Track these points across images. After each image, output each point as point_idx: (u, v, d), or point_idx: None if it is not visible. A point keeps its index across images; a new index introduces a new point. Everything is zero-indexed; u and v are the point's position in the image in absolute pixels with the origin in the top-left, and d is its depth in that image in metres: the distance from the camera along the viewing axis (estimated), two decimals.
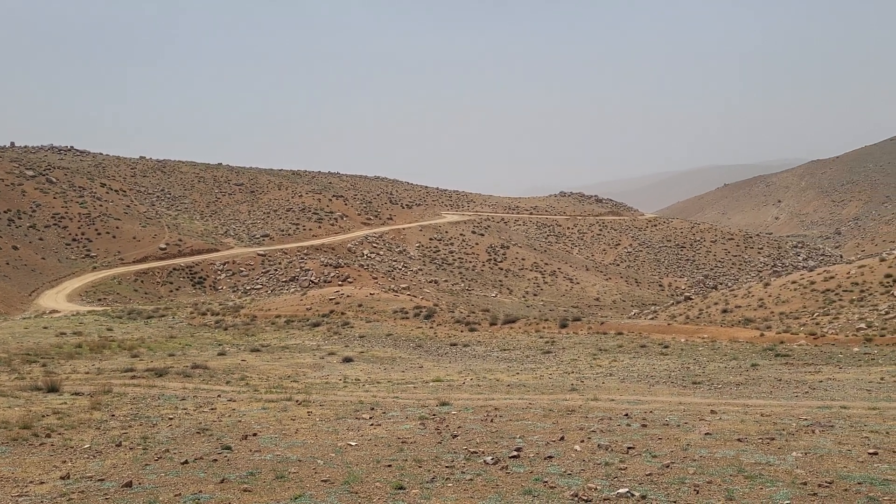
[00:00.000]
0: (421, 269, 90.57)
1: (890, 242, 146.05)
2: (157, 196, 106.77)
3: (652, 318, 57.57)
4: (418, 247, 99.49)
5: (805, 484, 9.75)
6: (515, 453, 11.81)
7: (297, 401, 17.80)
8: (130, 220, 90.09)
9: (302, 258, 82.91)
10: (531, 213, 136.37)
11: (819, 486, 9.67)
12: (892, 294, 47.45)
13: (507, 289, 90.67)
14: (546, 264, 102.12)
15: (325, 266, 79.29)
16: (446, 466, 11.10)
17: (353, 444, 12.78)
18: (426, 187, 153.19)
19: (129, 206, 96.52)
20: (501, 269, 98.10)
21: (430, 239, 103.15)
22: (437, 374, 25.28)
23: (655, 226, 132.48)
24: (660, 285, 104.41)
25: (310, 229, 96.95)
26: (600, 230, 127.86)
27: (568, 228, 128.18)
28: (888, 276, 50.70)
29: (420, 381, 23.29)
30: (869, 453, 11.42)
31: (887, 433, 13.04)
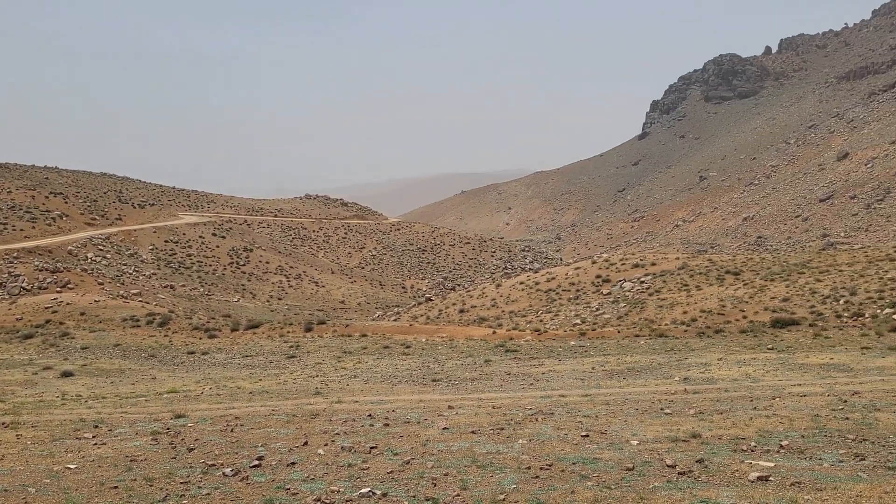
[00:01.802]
0: (155, 274, 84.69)
1: (600, 247, 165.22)
2: None
3: (395, 320, 59.37)
4: (152, 249, 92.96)
5: (529, 468, 10.60)
6: (257, 462, 11.44)
7: (2, 423, 15.67)
8: None
9: (11, 262, 73.42)
10: (276, 216, 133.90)
11: (541, 469, 10.57)
12: (601, 293, 53.61)
13: (251, 293, 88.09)
14: (291, 268, 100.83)
15: (41, 271, 70.97)
16: (181, 483, 10.43)
17: (73, 466, 11.53)
18: (161, 186, 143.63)
19: None
20: (244, 273, 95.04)
21: (166, 241, 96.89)
22: (172, 384, 23.76)
23: (399, 230, 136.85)
24: (403, 287, 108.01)
25: (21, 229, 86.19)
26: (346, 234, 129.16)
27: (314, 231, 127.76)
28: (598, 276, 57.21)
29: (153, 393, 21.72)
30: (582, 436, 12.73)
31: (596, 417, 14.65)
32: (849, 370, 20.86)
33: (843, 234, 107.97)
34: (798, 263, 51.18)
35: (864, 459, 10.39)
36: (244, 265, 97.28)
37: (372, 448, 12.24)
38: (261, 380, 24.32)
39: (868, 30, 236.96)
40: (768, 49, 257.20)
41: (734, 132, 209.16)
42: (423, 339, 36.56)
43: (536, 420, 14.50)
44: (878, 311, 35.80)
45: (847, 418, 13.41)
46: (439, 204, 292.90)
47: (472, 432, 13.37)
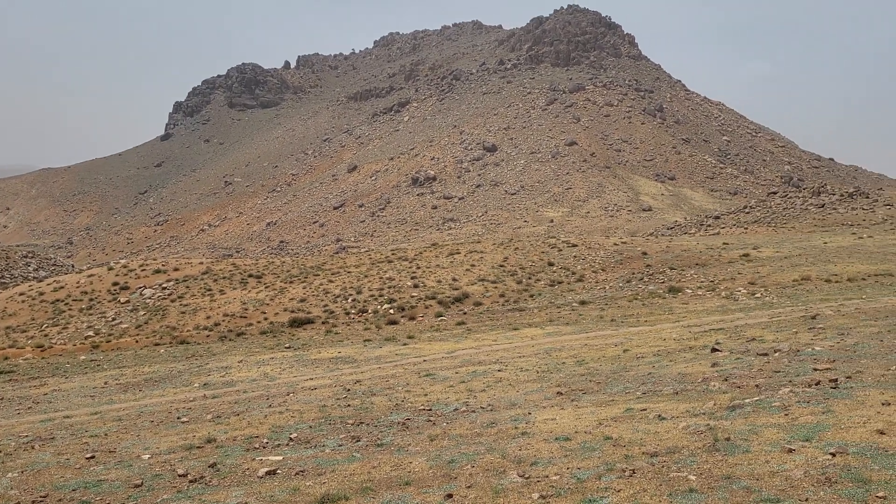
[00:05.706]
0: None
1: (120, 252, 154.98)
2: None
3: None
4: None
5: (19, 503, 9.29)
6: None
7: None
8: None
9: None
10: None
11: (33, 502, 9.34)
12: (119, 301, 50.23)
13: None
14: None
15: None
16: None
17: None
18: None
19: None
20: None
21: None
22: None
23: None
24: None
25: None
26: None
27: None
28: (115, 283, 53.42)
29: None
30: (87, 458, 11.65)
31: (105, 435, 13.58)
32: (353, 361, 23.19)
33: (353, 239, 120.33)
34: (314, 266, 55.14)
35: (359, 440, 11.60)
36: None
37: None
38: None
39: (371, 58, 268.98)
40: (287, 63, 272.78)
41: (258, 140, 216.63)
42: None
43: (33, 448, 12.83)
44: (379, 307, 40.66)
45: (349, 405, 14.84)
46: None
47: None
